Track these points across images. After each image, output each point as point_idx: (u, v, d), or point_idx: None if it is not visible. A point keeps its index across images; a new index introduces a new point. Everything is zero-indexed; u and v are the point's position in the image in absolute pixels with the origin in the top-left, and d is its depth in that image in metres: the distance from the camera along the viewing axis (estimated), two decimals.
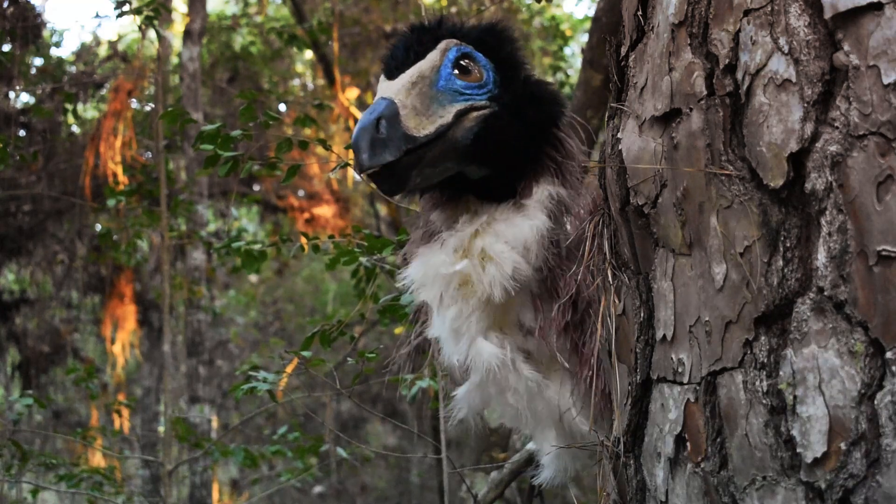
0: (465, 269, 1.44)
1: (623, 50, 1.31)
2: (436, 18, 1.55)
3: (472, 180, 1.50)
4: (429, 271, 1.49)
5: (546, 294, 1.47)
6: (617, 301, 1.29)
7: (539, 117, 1.50)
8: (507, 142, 1.46)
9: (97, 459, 5.81)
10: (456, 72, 1.45)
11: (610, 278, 1.31)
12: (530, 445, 2.85)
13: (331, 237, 2.89)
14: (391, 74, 1.46)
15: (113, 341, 7.42)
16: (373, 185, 1.40)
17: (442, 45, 1.47)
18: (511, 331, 1.50)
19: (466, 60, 1.47)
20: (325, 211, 8.63)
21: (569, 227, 1.48)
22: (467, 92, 1.44)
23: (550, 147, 1.52)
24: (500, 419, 1.68)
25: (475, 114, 1.43)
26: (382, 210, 8.97)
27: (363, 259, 2.68)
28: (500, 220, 1.47)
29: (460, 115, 1.41)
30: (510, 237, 1.44)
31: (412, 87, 1.40)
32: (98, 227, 7.27)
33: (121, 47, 8.23)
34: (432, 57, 1.45)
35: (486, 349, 1.47)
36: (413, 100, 1.38)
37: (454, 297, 1.46)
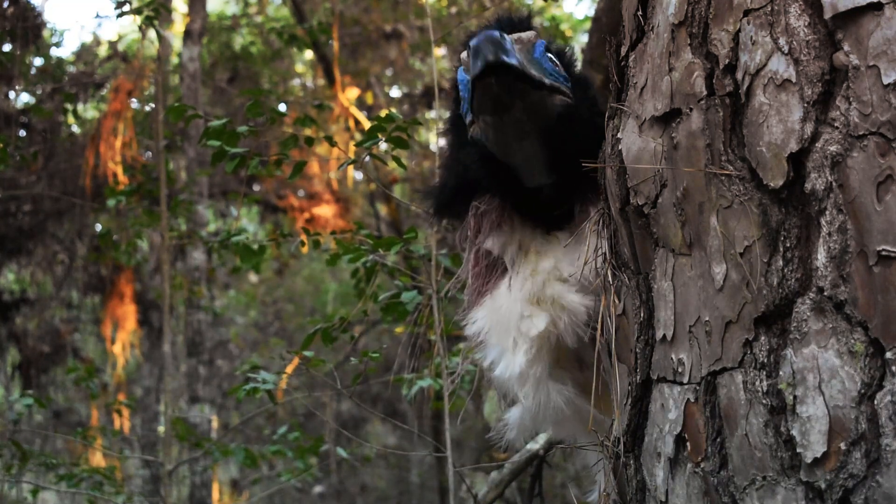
0: (545, 325, 1.42)
1: (623, 50, 1.31)
2: (524, 14, 1.57)
3: (526, 191, 1.47)
4: (503, 320, 1.47)
5: None
6: (617, 301, 1.29)
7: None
8: (582, 135, 1.42)
9: (97, 459, 5.80)
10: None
11: (610, 278, 1.31)
12: (530, 445, 2.86)
13: (332, 233, 2.89)
14: None
15: (113, 341, 7.41)
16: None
17: (532, 32, 1.47)
18: (569, 365, 1.49)
19: (550, 55, 1.47)
20: (325, 211, 8.62)
21: None
22: (555, 74, 1.43)
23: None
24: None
25: (561, 97, 1.41)
26: (382, 210, 8.97)
27: (370, 256, 2.67)
28: (565, 261, 1.45)
29: (552, 90, 1.39)
30: (577, 280, 1.43)
31: (517, 41, 1.38)
32: (98, 227, 7.27)
33: (121, 47, 8.22)
34: (528, 33, 1.45)
35: (553, 390, 1.47)
36: (519, 51, 1.36)
37: (529, 345, 1.45)
